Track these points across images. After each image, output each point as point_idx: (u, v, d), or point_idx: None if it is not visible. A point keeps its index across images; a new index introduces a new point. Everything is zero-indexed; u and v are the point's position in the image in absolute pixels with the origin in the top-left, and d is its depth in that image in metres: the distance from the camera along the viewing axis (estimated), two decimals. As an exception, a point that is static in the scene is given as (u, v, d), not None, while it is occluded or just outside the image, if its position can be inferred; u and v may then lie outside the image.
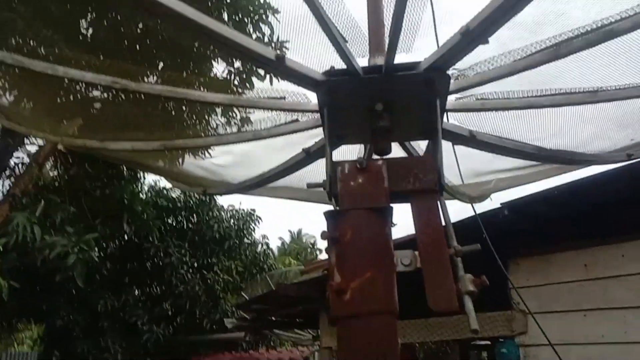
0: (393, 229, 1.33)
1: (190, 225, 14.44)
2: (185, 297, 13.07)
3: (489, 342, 12.02)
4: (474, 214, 3.51)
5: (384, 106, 1.36)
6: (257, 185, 2.00)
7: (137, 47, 5.82)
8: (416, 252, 1.24)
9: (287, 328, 12.66)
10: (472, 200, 2.66)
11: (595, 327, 5.67)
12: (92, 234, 8.89)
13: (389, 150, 1.44)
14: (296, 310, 8.50)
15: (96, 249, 12.59)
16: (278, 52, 1.30)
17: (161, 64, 5.63)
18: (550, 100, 1.58)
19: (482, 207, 5.39)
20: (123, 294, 13.00)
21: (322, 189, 1.33)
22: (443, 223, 1.27)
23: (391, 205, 1.28)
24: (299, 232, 34.32)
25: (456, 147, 1.67)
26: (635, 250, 5.50)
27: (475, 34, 1.25)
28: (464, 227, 5.10)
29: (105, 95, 2.32)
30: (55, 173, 11.09)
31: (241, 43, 1.25)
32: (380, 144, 1.42)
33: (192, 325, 13.48)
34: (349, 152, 1.82)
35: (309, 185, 1.37)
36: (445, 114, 1.49)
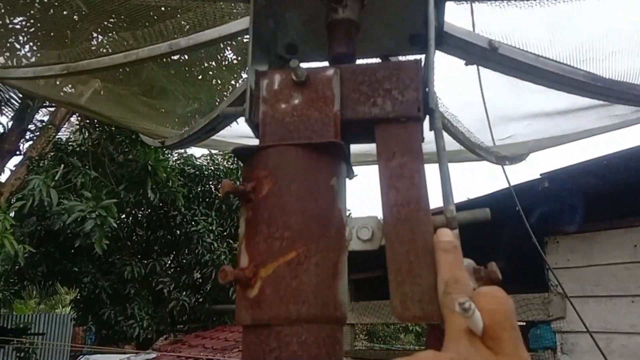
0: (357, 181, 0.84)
1: (218, 193, 14.21)
2: (211, 265, 12.90)
3: (524, 323, 11.47)
4: (506, 183, 2.95)
5: (344, -16, 0.85)
6: (208, 131, 1.51)
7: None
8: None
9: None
10: (500, 160, 2.08)
11: (643, 315, 5.07)
12: (111, 200, 8.64)
13: (351, 58, 0.92)
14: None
15: (122, 215, 12.53)
16: None
17: None
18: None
19: (519, 177, 4.79)
20: (150, 261, 12.92)
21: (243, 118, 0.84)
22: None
23: (343, 141, 0.77)
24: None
25: (470, 67, 1.12)
26: (696, 230, 4.85)
27: None
28: (495, 199, 4.55)
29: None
30: (80, 137, 10.89)
31: None
32: (339, 46, 0.90)
33: (218, 294, 13.34)
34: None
35: (224, 115, 0.88)
36: (444, 5, 0.95)
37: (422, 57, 0.86)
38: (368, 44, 1.01)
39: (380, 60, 1.05)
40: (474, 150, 1.79)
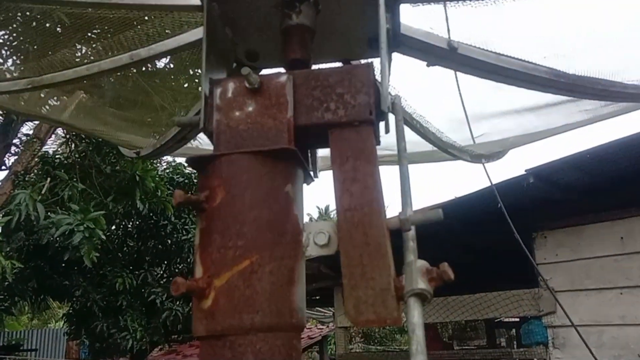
0: (313, 186, 0.84)
1: (208, 202, 14.14)
2: (203, 274, 12.82)
3: (517, 319, 11.53)
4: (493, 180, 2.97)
5: (295, -11, 0.85)
6: (179, 140, 1.51)
7: None
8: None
9: (307, 305, 12.41)
10: (476, 159, 2.09)
11: (632, 306, 5.09)
12: (98, 212, 8.58)
13: (306, 63, 0.91)
14: (310, 288, 8.19)
15: (112, 226, 12.44)
16: None
17: None
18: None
19: (505, 174, 4.81)
20: (142, 271, 12.82)
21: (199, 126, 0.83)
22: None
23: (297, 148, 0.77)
24: (327, 208, 33.98)
25: (432, 68, 1.12)
26: (681, 220, 4.90)
27: None
28: (481, 197, 4.56)
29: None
30: (67, 150, 10.81)
31: None
32: (294, 52, 0.90)
33: (211, 303, 13.25)
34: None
35: (179, 124, 0.87)
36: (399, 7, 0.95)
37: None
38: (328, 49, 1.01)
39: (341, 65, 1.05)
40: (446, 150, 1.80)
